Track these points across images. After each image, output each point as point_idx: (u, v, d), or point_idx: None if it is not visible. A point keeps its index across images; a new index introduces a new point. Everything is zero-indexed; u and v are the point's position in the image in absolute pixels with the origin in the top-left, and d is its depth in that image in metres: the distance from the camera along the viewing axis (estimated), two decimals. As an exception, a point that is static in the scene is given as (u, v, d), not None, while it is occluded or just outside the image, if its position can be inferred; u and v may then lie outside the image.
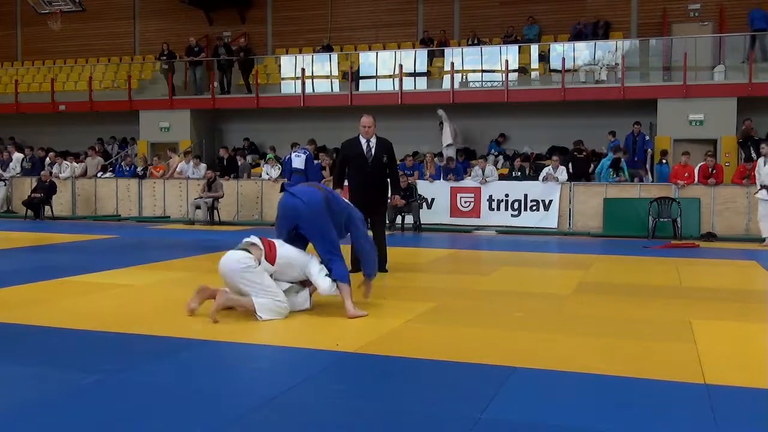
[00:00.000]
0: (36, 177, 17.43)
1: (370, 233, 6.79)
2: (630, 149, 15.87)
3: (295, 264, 5.51)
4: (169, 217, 16.75)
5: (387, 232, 8.47)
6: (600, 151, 16.10)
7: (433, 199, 14.89)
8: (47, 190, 16.78)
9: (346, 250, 5.87)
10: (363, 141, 7.99)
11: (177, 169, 17.17)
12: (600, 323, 5.38)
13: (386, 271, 7.98)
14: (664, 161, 15.37)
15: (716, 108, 15.96)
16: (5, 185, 17.89)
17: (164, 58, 20.73)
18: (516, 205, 14.43)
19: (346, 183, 8.25)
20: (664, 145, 16.22)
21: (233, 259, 5.36)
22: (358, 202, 7.89)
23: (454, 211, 14.79)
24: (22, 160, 18.72)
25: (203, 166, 16.98)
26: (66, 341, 4.75)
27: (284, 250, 5.48)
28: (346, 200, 6.42)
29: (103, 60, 22.85)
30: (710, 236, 12.74)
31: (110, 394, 3.61)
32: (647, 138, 16.26)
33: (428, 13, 20.70)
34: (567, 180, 14.35)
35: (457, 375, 4.01)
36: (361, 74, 19.36)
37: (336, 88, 19.46)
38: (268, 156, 17.32)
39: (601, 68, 17.72)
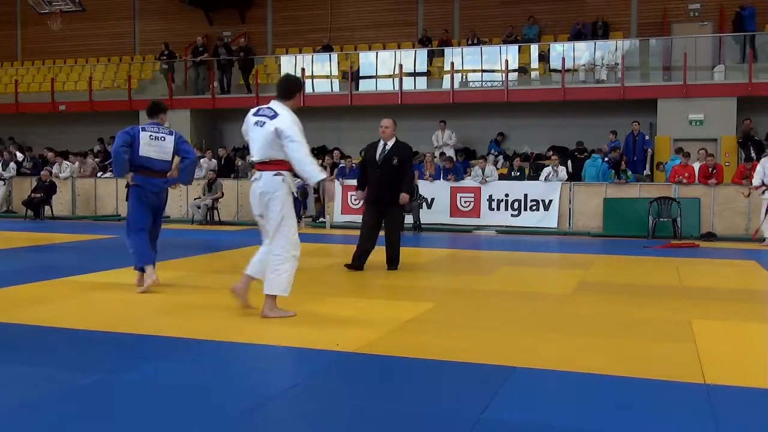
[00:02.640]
0: (36, 177, 17.43)
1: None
2: (630, 149, 15.89)
3: None
4: (169, 217, 16.72)
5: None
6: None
7: (433, 199, 14.89)
8: (47, 190, 16.78)
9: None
10: (381, 143, 8.28)
11: None
12: (600, 323, 5.38)
13: (396, 268, 8.18)
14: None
15: (716, 108, 15.97)
16: (5, 185, 17.90)
17: (164, 58, 20.73)
18: (516, 205, 14.43)
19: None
20: (664, 145, 16.23)
21: None
22: (370, 201, 8.28)
23: (454, 211, 14.79)
24: (23, 160, 18.72)
25: (209, 164, 16.83)
26: (66, 341, 4.74)
27: None
28: None
29: (103, 60, 22.86)
30: (710, 236, 12.74)
31: (110, 394, 3.61)
32: (647, 137, 16.26)
33: (428, 13, 20.71)
34: (567, 179, 14.35)
35: (457, 375, 4.00)
36: (361, 74, 19.37)
37: (336, 88, 19.47)
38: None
39: (601, 68, 17.72)
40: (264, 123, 5.21)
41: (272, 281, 5.25)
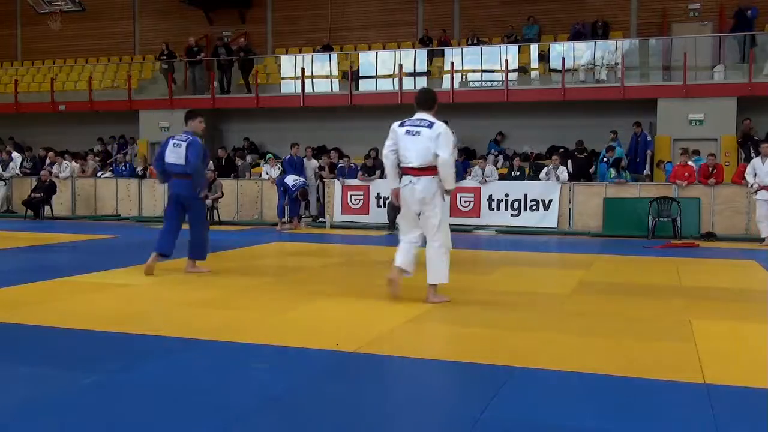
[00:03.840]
0: (36, 177, 17.44)
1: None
2: (631, 150, 15.92)
3: None
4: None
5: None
6: (600, 151, 16.11)
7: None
8: (47, 190, 16.78)
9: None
10: None
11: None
12: (600, 323, 5.38)
13: None
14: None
15: (716, 108, 15.97)
16: (5, 185, 17.90)
17: (164, 58, 20.73)
18: (516, 204, 14.43)
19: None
20: (664, 145, 16.24)
21: None
22: None
23: (454, 210, 14.75)
24: (22, 160, 18.71)
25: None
26: (66, 341, 4.75)
27: None
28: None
29: (103, 60, 22.86)
30: (710, 236, 12.74)
31: (110, 394, 3.61)
32: (649, 138, 16.26)
33: (428, 13, 20.71)
34: (567, 180, 14.36)
35: (457, 375, 4.00)
36: (361, 74, 19.37)
37: (336, 88, 19.47)
38: (267, 156, 17.33)
39: (601, 68, 17.73)
40: (420, 132, 5.80)
41: (437, 272, 5.90)
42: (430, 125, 5.79)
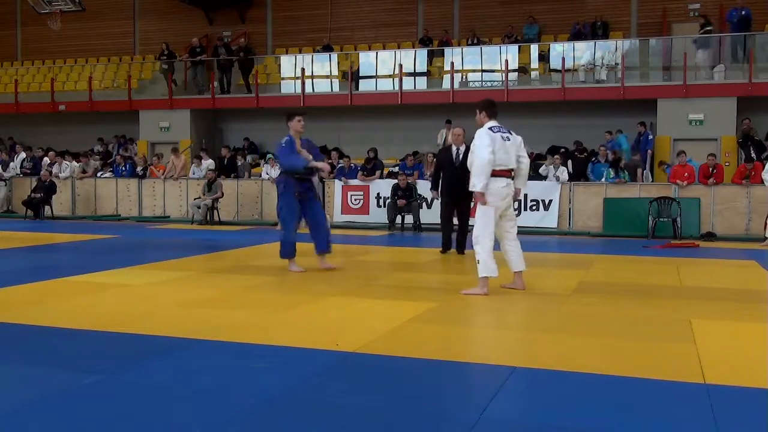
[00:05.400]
0: (36, 177, 17.44)
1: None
2: (635, 149, 15.96)
3: None
4: (169, 217, 16.76)
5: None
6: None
7: (433, 199, 14.88)
8: (47, 190, 16.79)
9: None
10: (454, 149, 9.81)
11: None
12: (600, 323, 5.37)
13: (464, 253, 9.56)
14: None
15: (716, 108, 15.98)
16: (5, 185, 17.91)
17: (164, 58, 20.74)
18: (516, 204, 14.38)
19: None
20: (664, 145, 16.25)
21: None
22: (447, 197, 9.94)
23: (454, 211, 14.76)
24: (24, 159, 18.74)
25: (206, 163, 16.91)
26: (66, 341, 4.74)
27: None
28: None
29: (103, 60, 22.87)
30: (710, 236, 12.74)
31: (110, 394, 3.61)
32: (650, 137, 16.27)
33: (428, 13, 20.72)
34: (567, 180, 14.35)
35: (457, 375, 4.00)
36: (361, 74, 19.38)
37: (336, 88, 19.48)
38: (268, 156, 17.32)
39: (601, 68, 17.73)
40: (509, 138, 6.45)
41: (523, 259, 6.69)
42: (511, 132, 6.49)
